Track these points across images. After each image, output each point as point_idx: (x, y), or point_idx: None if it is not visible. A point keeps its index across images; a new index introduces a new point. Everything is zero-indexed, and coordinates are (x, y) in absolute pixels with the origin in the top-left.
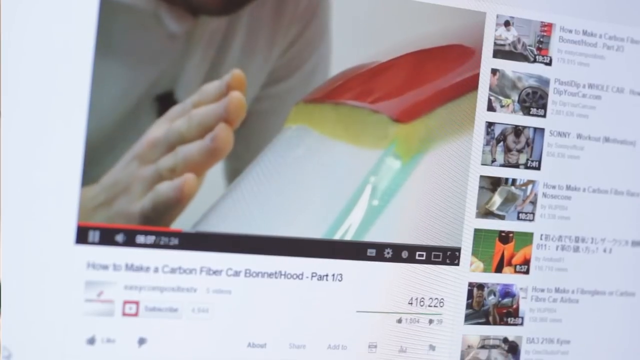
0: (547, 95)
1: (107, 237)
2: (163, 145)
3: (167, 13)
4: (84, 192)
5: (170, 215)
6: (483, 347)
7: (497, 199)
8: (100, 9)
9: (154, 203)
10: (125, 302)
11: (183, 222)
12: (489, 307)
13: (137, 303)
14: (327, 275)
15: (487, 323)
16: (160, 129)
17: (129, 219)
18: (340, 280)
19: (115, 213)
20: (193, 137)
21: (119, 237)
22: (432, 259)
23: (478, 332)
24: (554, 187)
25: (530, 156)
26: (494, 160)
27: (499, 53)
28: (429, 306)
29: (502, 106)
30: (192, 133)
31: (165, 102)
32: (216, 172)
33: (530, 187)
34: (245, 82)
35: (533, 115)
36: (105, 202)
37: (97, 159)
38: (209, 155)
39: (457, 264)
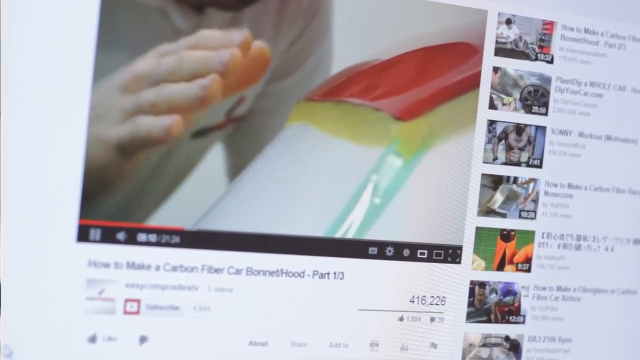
0: (548, 93)
1: (109, 235)
2: (148, 80)
3: (174, 9)
4: None
5: (146, 151)
6: (484, 345)
7: (498, 197)
8: (104, 4)
9: (132, 135)
10: (127, 300)
11: (184, 220)
12: (491, 306)
13: (138, 301)
14: (328, 274)
15: (488, 321)
16: (148, 62)
17: (101, 146)
18: (341, 279)
19: (93, 138)
20: (181, 78)
21: (120, 235)
22: (434, 257)
23: (479, 330)
24: (555, 185)
25: (532, 154)
26: (495, 159)
27: (500, 51)
28: (431, 304)
29: (503, 104)
30: (181, 74)
31: None
32: (218, 170)
33: (531, 185)
34: (262, 51)
35: (535, 113)
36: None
37: None
38: (194, 101)
39: (459, 262)
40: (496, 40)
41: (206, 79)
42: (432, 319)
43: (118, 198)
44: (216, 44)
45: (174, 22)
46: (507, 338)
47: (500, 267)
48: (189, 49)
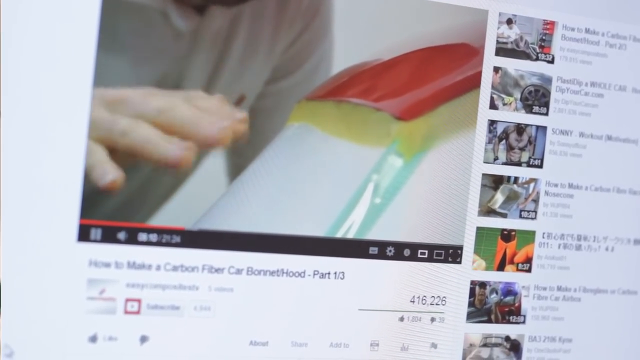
0: (549, 93)
1: (109, 235)
2: (132, 108)
3: (175, 10)
4: None
5: None
6: (485, 345)
7: (499, 197)
8: (105, 6)
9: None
10: (127, 300)
11: (185, 220)
12: (491, 306)
13: (139, 301)
14: (329, 274)
15: (489, 321)
16: (137, 92)
17: None
18: (342, 279)
19: None
20: (164, 126)
21: (121, 235)
22: (434, 257)
23: (480, 330)
24: (556, 185)
25: (533, 154)
26: (496, 159)
27: (501, 51)
28: (431, 304)
29: (504, 104)
30: (165, 121)
31: None
32: (218, 170)
33: (532, 185)
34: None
35: (535, 113)
36: None
37: None
38: (161, 160)
39: (459, 262)
40: (497, 40)
41: (183, 144)
42: (433, 319)
43: (119, 198)
44: (214, 108)
45: (175, 23)
46: (507, 338)
47: (501, 267)
48: (184, 101)
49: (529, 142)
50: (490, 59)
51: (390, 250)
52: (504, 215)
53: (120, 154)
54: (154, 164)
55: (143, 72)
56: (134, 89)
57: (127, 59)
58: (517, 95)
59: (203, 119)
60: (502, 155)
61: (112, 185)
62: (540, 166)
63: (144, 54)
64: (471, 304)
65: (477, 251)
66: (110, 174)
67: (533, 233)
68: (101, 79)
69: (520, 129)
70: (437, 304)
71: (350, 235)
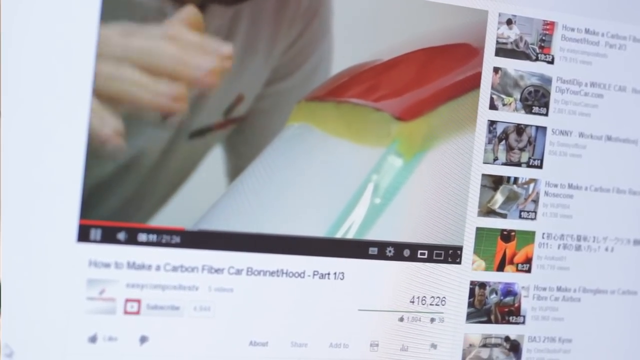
0: (549, 93)
1: (109, 235)
2: (115, 47)
3: (173, 10)
4: None
5: None
6: (485, 345)
7: (499, 198)
8: (104, 5)
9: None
10: (127, 300)
11: (185, 220)
12: (491, 306)
13: (139, 301)
14: (328, 274)
15: (488, 322)
16: (116, 31)
17: None
18: (342, 279)
19: None
20: (147, 68)
21: (121, 235)
22: (434, 258)
23: (480, 330)
24: (556, 185)
25: (532, 155)
26: (496, 159)
27: (501, 51)
28: (431, 305)
29: (504, 104)
30: (149, 64)
31: None
32: (218, 170)
33: (532, 185)
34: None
35: (535, 113)
36: None
37: None
38: (155, 107)
39: (459, 263)
40: (497, 41)
41: (173, 89)
42: (432, 320)
43: (119, 198)
44: (197, 44)
45: None
46: (507, 338)
47: (501, 268)
48: (166, 38)
49: (529, 142)
50: (490, 60)
51: (390, 251)
52: (503, 216)
53: (107, 104)
54: (145, 109)
55: None
56: (109, 27)
57: None
58: (517, 95)
59: (190, 59)
60: (502, 156)
61: (115, 135)
62: (540, 166)
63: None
64: (471, 305)
65: (476, 251)
66: (108, 124)
67: (533, 233)
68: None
69: (520, 129)
70: (436, 305)
71: (350, 236)
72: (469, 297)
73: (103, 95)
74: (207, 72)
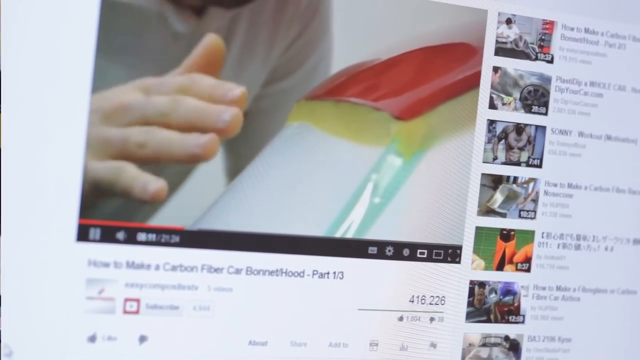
0: (548, 93)
1: (108, 235)
2: (136, 115)
3: (173, 13)
4: None
5: (121, 198)
6: (484, 345)
7: (498, 197)
8: (103, 8)
9: (111, 181)
10: (126, 300)
11: (184, 220)
12: (490, 305)
13: (138, 301)
14: (328, 273)
15: (488, 321)
16: (131, 94)
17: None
18: (341, 278)
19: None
20: (174, 125)
21: (120, 235)
22: (434, 257)
23: (479, 330)
24: (555, 185)
25: (532, 154)
26: (495, 158)
27: (500, 51)
28: (430, 304)
29: (503, 104)
30: (174, 120)
31: None
32: (217, 170)
33: (531, 185)
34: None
35: (535, 113)
36: None
37: None
38: (186, 157)
39: (459, 262)
40: (496, 40)
41: (204, 137)
42: (432, 319)
43: (118, 199)
44: (210, 92)
45: (173, 26)
46: (506, 338)
47: (500, 267)
48: (180, 91)
49: (528, 141)
50: (489, 59)
51: (389, 250)
52: (503, 215)
53: (144, 166)
54: (180, 162)
55: (142, 75)
56: (126, 91)
57: (125, 61)
58: (517, 95)
59: (211, 111)
60: (502, 155)
61: (159, 193)
62: (540, 166)
63: (142, 56)
64: (470, 304)
65: (476, 251)
66: (152, 183)
67: (532, 233)
68: (99, 81)
69: (519, 128)
70: (436, 304)
71: (350, 235)
72: (469, 297)
73: (138, 160)
74: (232, 126)
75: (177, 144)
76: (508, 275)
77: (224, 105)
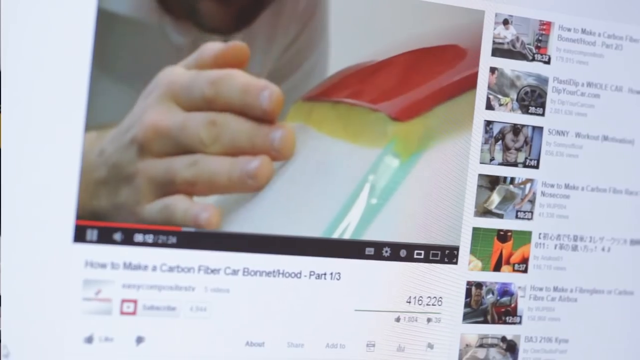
0: (545, 93)
1: (105, 236)
2: (174, 143)
3: (172, 26)
4: (87, 138)
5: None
6: (481, 345)
7: (495, 198)
8: (100, 21)
9: (162, 219)
10: (123, 301)
11: None
12: (487, 306)
13: (135, 302)
14: (325, 274)
15: (485, 322)
16: (165, 114)
17: (133, 217)
18: (338, 279)
19: (121, 205)
20: (219, 151)
21: (117, 236)
22: (431, 258)
23: (476, 330)
24: (552, 185)
25: (529, 155)
26: (492, 159)
27: (497, 51)
28: (427, 305)
29: (500, 105)
30: (219, 146)
31: None
32: None
33: (528, 185)
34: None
35: (532, 113)
36: (107, 183)
37: None
38: (242, 187)
39: (456, 263)
40: (493, 41)
41: (258, 164)
42: (429, 320)
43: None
44: (256, 107)
45: (173, 39)
46: (503, 339)
47: (497, 268)
48: (216, 106)
49: (525, 142)
50: (486, 60)
51: (386, 251)
52: (500, 216)
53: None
54: (234, 191)
55: (140, 82)
56: (158, 110)
57: (125, 74)
58: (514, 95)
59: (259, 134)
60: (499, 156)
61: (214, 219)
62: (537, 167)
63: (143, 68)
64: (467, 305)
65: (473, 252)
66: (204, 211)
67: (529, 233)
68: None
69: (516, 129)
70: (433, 305)
71: (347, 236)
72: (466, 297)
73: (191, 193)
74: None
75: (226, 177)
76: (505, 276)
77: (274, 127)
